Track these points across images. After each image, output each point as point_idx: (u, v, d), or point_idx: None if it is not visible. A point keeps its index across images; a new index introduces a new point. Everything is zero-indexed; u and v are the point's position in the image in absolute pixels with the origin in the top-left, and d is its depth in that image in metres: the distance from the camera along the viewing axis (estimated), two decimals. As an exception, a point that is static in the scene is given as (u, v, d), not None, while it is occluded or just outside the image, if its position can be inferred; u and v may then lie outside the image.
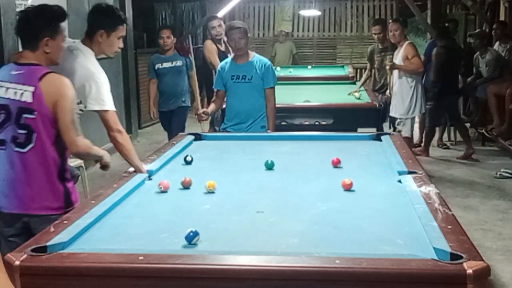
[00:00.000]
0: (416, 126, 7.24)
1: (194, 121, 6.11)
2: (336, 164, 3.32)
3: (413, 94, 6.48)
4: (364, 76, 7.77)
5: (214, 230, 2.29)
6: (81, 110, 3.24)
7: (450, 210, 2.38)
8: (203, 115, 4.87)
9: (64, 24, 3.09)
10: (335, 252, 1.96)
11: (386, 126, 6.77)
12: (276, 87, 4.82)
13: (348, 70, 9.37)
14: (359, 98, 6.69)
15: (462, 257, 1.85)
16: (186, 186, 2.91)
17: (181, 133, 4.53)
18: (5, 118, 2.86)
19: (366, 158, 3.62)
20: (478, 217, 5.20)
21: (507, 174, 6.48)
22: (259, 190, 2.92)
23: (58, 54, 3.03)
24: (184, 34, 12.89)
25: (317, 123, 5.78)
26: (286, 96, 6.06)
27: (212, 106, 4.91)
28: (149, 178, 3.09)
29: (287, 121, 5.76)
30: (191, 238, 2.09)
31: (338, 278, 1.84)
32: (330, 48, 14.02)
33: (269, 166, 3.31)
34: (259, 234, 2.26)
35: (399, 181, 2.93)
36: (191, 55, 5.98)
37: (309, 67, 10.86)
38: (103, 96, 3.18)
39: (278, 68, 10.14)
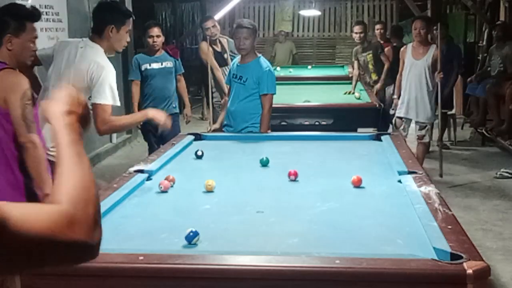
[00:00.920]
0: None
1: (194, 121, 6.13)
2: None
3: (434, 98, 6.11)
4: (355, 73, 7.70)
5: (214, 230, 2.29)
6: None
7: (450, 210, 2.38)
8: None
9: (36, 25, 3.14)
10: (335, 252, 1.96)
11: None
12: (276, 87, 4.77)
13: (348, 70, 9.37)
14: (359, 98, 6.70)
15: (462, 257, 1.85)
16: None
17: (181, 133, 4.53)
18: None
19: (366, 158, 3.62)
20: (478, 217, 5.20)
21: (507, 174, 6.48)
22: (259, 190, 2.92)
23: (24, 53, 3.06)
24: (184, 34, 12.91)
25: (317, 123, 5.78)
26: (286, 96, 6.06)
27: (225, 99, 4.99)
28: (149, 178, 3.08)
29: (287, 121, 5.76)
30: (191, 238, 2.09)
31: (338, 278, 1.84)
32: (330, 48, 14.02)
33: (264, 163, 3.35)
34: (259, 234, 2.27)
35: (399, 181, 2.93)
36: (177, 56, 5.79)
37: (309, 67, 10.87)
38: (104, 89, 3.25)
39: (278, 68, 10.15)
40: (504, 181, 6.35)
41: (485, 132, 7.92)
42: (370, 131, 5.15)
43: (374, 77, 7.57)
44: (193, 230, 2.11)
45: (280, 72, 9.46)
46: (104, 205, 2.51)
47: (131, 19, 3.47)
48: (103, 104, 3.25)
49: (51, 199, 1.05)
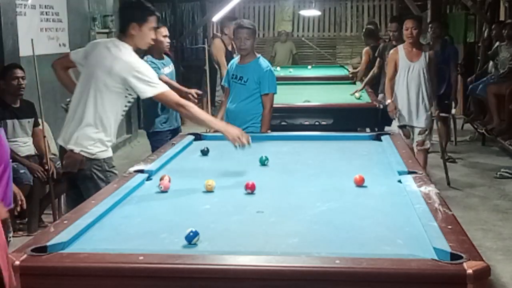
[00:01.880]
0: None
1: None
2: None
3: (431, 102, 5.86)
4: (371, 74, 7.29)
5: (214, 230, 2.29)
6: (132, 98, 3.50)
7: (450, 210, 2.38)
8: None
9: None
10: (335, 252, 1.96)
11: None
12: (277, 87, 4.78)
13: (348, 70, 9.37)
14: (359, 98, 6.69)
15: (462, 257, 1.85)
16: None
17: (181, 133, 4.53)
18: None
19: (366, 158, 3.62)
20: (478, 217, 5.20)
21: (507, 174, 6.48)
22: (259, 190, 2.92)
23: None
24: (184, 34, 12.89)
25: (317, 123, 5.78)
26: (286, 96, 6.06)
27: (223, 101, 4.96)
28: (149, 178, 3.08)
29: (287, 121, 5.76)
30: (191, 238, 2.09)
31: (338, 278, 1.84)
32: (330, 48, 14.02)
33: (263, 162, 3.38)
34: (259, 234, 2.26)
35: (399, 181, 2.93)
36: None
37: (309, 67, 10.87)
38: (148, 81, 3.35)
39: (278, 68, 10.15)
40: (504, 181, 6.35)
41: (485, 132, 7.91)
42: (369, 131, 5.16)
43: None
44: (193, 230, 2.11)
45: (280, 72, 9.46)
46: (104, 205, 2.51)
47: (154, 16, 3.52)
48: (157, 93, 3.37)
49: None
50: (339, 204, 2.64)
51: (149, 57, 5.05)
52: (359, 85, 7.57)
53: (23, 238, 3.93)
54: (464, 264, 1.80)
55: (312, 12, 12.63)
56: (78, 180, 3.55)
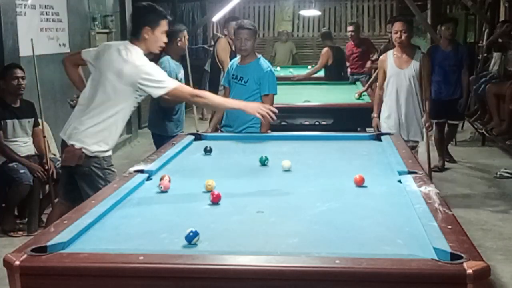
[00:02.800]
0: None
1: (194, 121, 6.12)
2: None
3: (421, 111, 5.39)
4: (374, 76, 7.13)
5: (214, 230, 2.29)
6: (141, 99, 3.61)
7: (450, 210, 2.38)
8: None
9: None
10: (335, 252, 1.96)
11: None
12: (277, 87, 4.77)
13: (347, 70, 9.37)
14: (359, 98, 6.69)
15: (462, 257, 1.85)
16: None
17: (181, 133, 4.53)
18: None
19: (366, 158, 3.62)
20: (478, 217, 5.20)
21: (507, 174, 6.48)
22: (259, 190, 2.92)
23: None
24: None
25: (317, 123, 5.78)
26: (286, 96, 6.06)
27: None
28: (149, 178, 3.08)
29: (287, 121, 5.76)
30: (191, 238, 2.09)
31: (338, 278, 1.84)
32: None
33: (263, 162, 3.38)
34: (259, 234, 2.26)
35: (399, 181, 2.93)
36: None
37: (309, 67, 10.87)
38: (158, 80, 3.42)
39: (278, 68, 10.15)
40: (504, 181, 6.35)
41: (485, 132, 7.91)
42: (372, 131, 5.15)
43: None
44: (193, 230, 2.11)
45: (280, 72, 9.46)
46: (104, 205, 2.51)
47: (166, 20, 3.61)
48: (169, 90, 3.43)
49: None
50: (339, 204, 2.64)
51: (168, 57, 4.90)
52: (359, 85, 7.58)
53: (23, 238, 3.93)
54: (464, 264, 1.80)
55: (312, 12, 12.64)
56: (76, 175, 3.60)
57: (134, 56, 3.46)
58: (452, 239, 2.02)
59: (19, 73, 4.93)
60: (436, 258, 1.88)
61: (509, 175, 6.46)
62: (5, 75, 4.91)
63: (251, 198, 2.77)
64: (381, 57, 5.54)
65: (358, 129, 6.03)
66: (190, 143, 4.02)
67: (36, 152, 5.10)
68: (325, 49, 8.34)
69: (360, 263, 1.85)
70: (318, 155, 3.73)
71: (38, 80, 4.97)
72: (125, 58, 3.45)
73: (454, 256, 1.87)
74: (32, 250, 1.96)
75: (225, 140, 4.24)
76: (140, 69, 3.41)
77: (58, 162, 4.58)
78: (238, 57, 4.79)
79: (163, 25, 3.58)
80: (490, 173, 6.61)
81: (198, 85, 6.56)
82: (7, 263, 1.90)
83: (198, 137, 4.21)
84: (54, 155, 5.26)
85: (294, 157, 3.65)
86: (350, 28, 8.96)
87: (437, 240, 2.02)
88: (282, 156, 3.60)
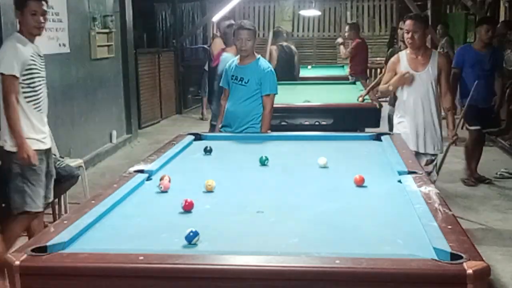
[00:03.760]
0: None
1: (194, 121, 6.12)
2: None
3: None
4: (377, 79, 6.92)
5: (214, 230, 2.29)
6: (28, 87, 3.68)
7: (450, 210, 2.38)
8: None
9: None
10: (335, 252, 1.96)
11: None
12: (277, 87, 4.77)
13: (348, 70, 9.38)
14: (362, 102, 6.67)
15: (462, 257, 1.85)
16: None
17: (181, 133, 4.53)
18: None
19: (366, 158, 3.62)
20: (478, 217, 5.20)
21: (507, 174, 6.49)
22: (259, 190, 2.92)
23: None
24: (184, 34, 12.90)
25: (317, 123, 5.78)
26: (286, 96, 6.06)
27: (223, 103, 4.84)
28: (149, 178, 3.08)
29: (287, 121, 5.76)
30: (191, 238, 2.09)
31: (338, 278, 1.84)
32: (330, 48, 14.02)
33: (263, 162, 3.38)
34: (259, 234, 2.26)
35: (399, 181, 2.93)
36: None
37: (309, 67, 10.87)
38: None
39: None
40: (504, 181, 6.35)
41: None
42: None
43: None
44: (193, 230, 2.11)
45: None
46: (104, 205, 2.51)
47: (33, 0, 3.71)
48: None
49: None
50: (339, 204, 2.64)
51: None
52: (358, 85, 7.58)
53: (23, 238, 3.93)
54: (464, 264, 1.80)
55: (312, 12, 12.64)
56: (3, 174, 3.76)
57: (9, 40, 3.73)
58: (452, 239, 2.02)
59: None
60: (436, 258, 1.88)
61: (509, 175, 6.47)
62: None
63: (251, 198, 2.77)
64: (392, 58, 4.88)
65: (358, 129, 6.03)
66: (190, 143, 4.02)
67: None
68: (273, 47, 8.43)
69: (360, 263, 1.85)
70: (318, 155, 3.72)
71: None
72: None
73: (454, 256, 1.87)
74: (32, 250, 1.97)
75: (225, 140, 4.24)
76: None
77: (58, 162, 4.58)
78: (237, 57, 4.79)
79: (31, 6, 3.69)
80: (490, 173, 6.61)
81: (198, 85, 6.55)
82: (7, 263, 1.91)
83: (198, 137, 4.21)
84: (55, 155, 5.26)
85: (294, 157, 3.66)
86: (346, 28, 8.92)
87: (437, 240, 2.02)
88: (282, 156, 3.61)
